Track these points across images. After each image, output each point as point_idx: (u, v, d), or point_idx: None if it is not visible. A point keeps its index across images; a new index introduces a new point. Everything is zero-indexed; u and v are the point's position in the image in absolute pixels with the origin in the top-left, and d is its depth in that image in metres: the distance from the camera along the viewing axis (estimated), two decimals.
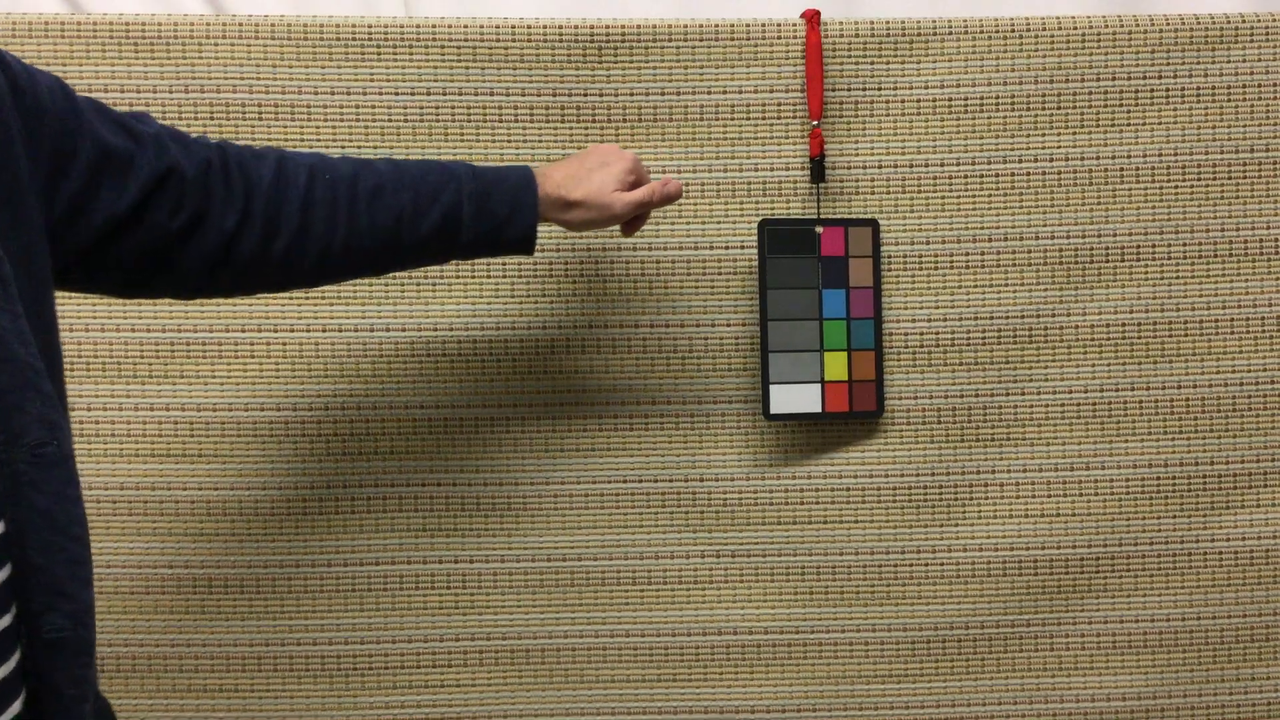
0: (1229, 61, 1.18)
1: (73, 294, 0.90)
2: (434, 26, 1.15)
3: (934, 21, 1.17)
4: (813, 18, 1.16)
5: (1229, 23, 1.18)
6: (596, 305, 1.18)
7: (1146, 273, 1.19)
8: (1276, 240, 1.20)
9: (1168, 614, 1.21)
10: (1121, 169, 1.19)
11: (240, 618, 1.18)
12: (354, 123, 1.16)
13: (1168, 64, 1.18)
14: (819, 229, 1.16)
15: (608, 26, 1.16)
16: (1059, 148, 1.18)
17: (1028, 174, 1.18)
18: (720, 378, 1.19)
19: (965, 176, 1.18)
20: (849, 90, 1.18)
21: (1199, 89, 1.18)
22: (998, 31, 1.17)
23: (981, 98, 1.18)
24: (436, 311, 1.18)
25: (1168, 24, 1.18)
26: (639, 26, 1.16)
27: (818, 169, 1.16)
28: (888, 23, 1.17)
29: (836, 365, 1.17)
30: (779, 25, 1.17)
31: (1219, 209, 1.19)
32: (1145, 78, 1.18)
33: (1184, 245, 1.19)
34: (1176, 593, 1.20)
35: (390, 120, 1.16)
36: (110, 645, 1.17)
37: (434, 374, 1.18)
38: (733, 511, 1.19)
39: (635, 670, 1.20)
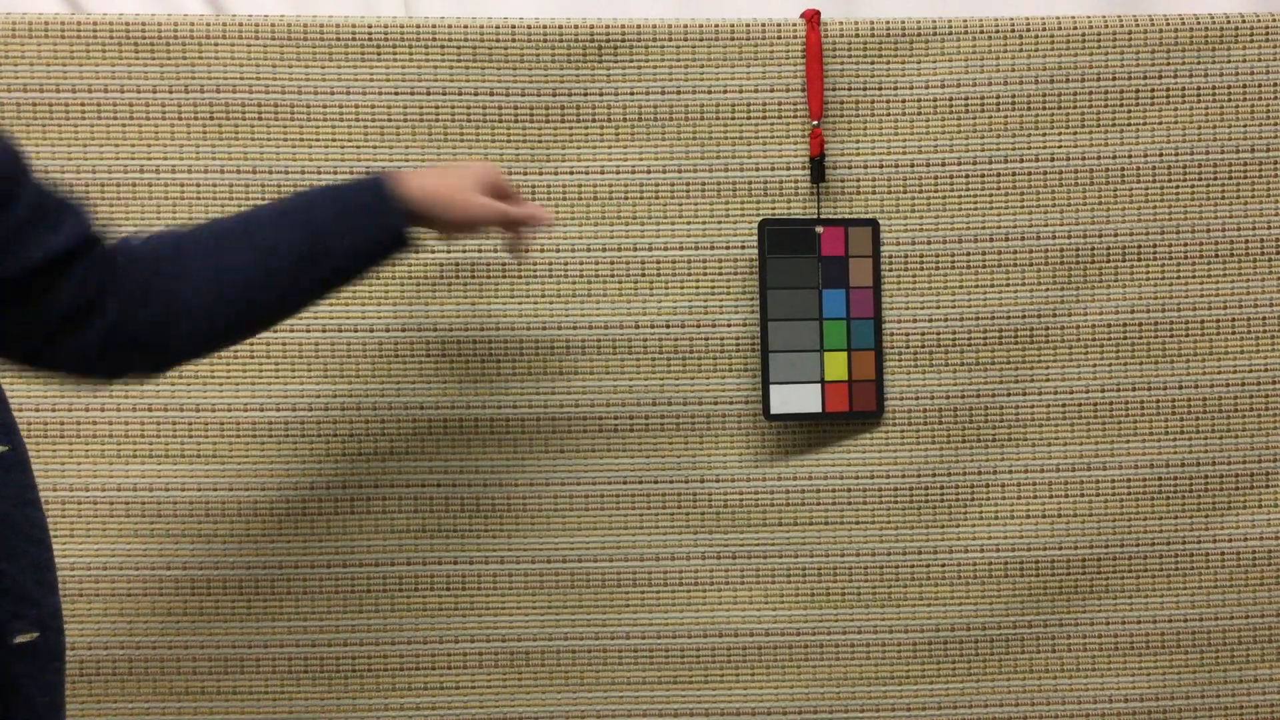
0: (1229, 61, 1.18)
1: None
2: (434, 26, 1.16)
3: (934, 21, 1.17)
4: (813, 18, 1.16)
5: (1229, 23, 1.18)
6: (596, 305, 1.18)
7: (1147, 273, 1.19)
8: (1276, 240, 1.20)
9: (1170, 615, 1.20)
10: (1122, 169, 1.19)
11: (239, 619, 1.17)
12: (354, 123, 1.16)
13: (1168, 64, 1.18)
14: (819, 229, 1.16)
15: (608, 26, 1.16)
16: (1059, 148, 1.18)
17: (1028, 174, 1.18)
18: (720, 378, 1.19)
19: (965, 176, 1.18)
20: (849, 90, 1.18)
21: (1199, 89, 1.18)
22: (998, 31, 1.17)
23: (981, 98, 1.18)
24: (436, 311, 1.17)
25: (1168, 24, 1.18)
26: (639, 26, 1.16)
27: (818, 169, 1.16)
28: (888, 23, 1.17)
29: (836, 365, 1.17)
30: (779, 25, 1.17)
31: (1219, 209, 1.19)
32: (1145, 78, 1.18)
33: (1184, 245, 1.19)
34: (1179, 594, 1.20)
35: (390, 120, 1.16)
36: (108, 648, 1.16)
37: (434, 374, 1.18)
38: (733, 512, 1.19)
39: (635, 672, 1.19)
